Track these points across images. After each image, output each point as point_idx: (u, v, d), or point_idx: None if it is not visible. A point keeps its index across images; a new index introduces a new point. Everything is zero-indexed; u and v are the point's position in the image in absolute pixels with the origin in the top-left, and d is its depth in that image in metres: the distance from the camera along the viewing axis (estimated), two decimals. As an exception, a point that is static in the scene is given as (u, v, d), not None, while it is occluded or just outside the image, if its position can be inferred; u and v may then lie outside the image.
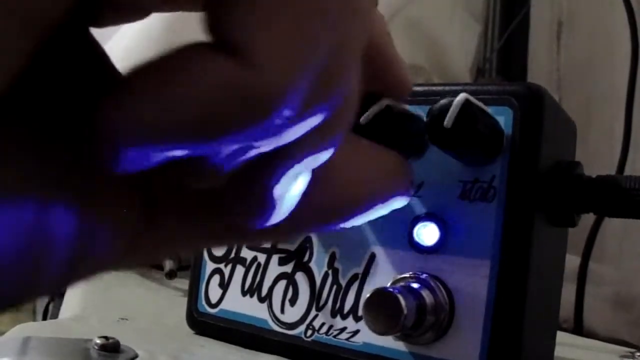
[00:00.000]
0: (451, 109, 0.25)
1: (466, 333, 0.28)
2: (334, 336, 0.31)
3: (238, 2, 0.11)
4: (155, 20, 0.63)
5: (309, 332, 0.32)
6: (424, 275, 0.29)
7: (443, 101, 0.25)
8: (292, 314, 0.33)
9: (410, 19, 0.78)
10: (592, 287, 0.59)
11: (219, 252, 0.36)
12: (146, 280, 0.60)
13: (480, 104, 0.26)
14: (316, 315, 0.32)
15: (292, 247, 0.34)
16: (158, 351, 0.30)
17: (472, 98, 0.26)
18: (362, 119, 0.25)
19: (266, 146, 0.12)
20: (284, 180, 0.13)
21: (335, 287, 0.32)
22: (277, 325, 0.33)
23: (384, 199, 0.16)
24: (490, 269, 0.28)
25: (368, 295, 0.27)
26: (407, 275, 0.29)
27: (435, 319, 0.28)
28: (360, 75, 0.13)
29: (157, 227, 0.14)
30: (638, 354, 0.46)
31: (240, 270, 0.35)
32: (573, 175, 0.30)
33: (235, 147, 0.11)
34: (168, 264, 0.56)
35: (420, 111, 0.29)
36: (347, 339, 0.31)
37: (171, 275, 0.55)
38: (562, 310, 0.34)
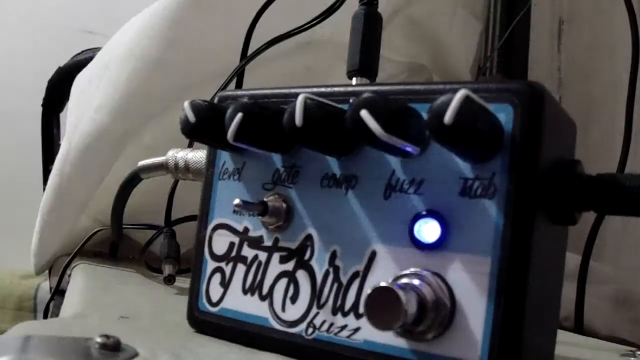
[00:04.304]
0: (451, 105, 0.25)
1: (467, 330, 0.28)
2: (335, 334, 0.31)
3: None
4: (155, 18, 0.63)
5: (310, 330, 0.32)
6: (425, 272, 0.29)
7: (443, 98, 0.25)
8: (293, 312, 0.33)
9: (411, 17, 0.79)
10: (593, 285, 0.59)
11: (220, 251, 0.36)
12: (147, 279, 0.60)
13: (480, 100, 0.26)
14: (317, 313, 0.32)
15: (293, 245, 0.34)
16: (159, 349, 0.30)
17: (472, 94, 0.26)
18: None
19: None
20: None
21: (336, 285, 0.32)
22: (278, 323, 0.33)
23: None
24: (490, 266, 0.28)
25: (369, 291, 0.27)
26: (408, 272, 0.29)
27: (436, 315, 0.28)
28: None
29: None
30: (639, 352, 0.46)
31: (241, 268, 0.35)
32: (573, 173, 0.30)
33: None
34: (167, 269, 0.56)
35: (422, 109, 0.29)
36: (347, 337, 0.31)
37: (170, 279, 0.55)
38: (562, 308, 0.34)
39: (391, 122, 0.27)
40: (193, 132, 0.35)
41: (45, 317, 0.79)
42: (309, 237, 0.33)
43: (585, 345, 0.50)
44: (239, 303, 0.35)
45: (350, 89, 0.34)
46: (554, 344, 0.33)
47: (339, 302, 0.32)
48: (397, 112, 0.28)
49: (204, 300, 0.36)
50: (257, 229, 0.35)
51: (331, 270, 0.32)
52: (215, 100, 0.38)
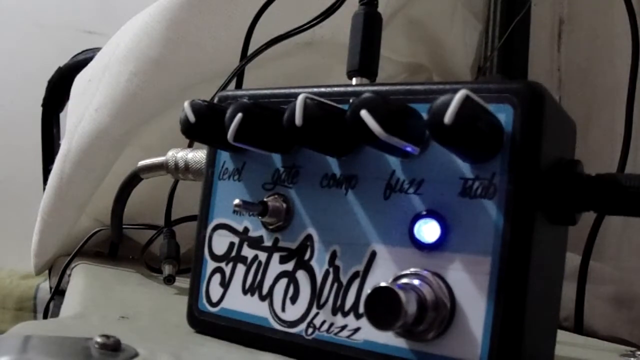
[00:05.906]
0: (451, 105, 0.25)
1: (467, 330, 0.28)
2: (335, 334, 0.31)
3: None
4: (155, 18, 0.63)
5: (310, 330, 0.32)
6: (425, 272, 0.29)
7: (443, 97, 0.25)
8: (293, 312, 0.33)
9: (411, 17, 0.79)
10: (593, 285, 0.59)
11: (220, 251, 0.36)
12: (147, 279, 0.60)
13: (480, 100, 0.26)
14: (317, 314, 0.32)
15: (293, 245, 0.34)
16: (158, 350, 0.30)
17: (472, 94, 0.26)
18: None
19: None
20: None
21: (336, 285, 0.32)
22: (278, 323, 0.33)
23: None
24: (490, 266, 0.28)
25: (369, 291, 0.27)
26: (408, 272, 0.29)
27: (436, 315, 0.28)
28: None
29: None
30: (638, 352, 0.46)
31: (241, 268, 0.35)
32: (573, 173, 0.30)
33: None
34: (167, 269, 0.56)
35: (422, 109, 0.29)
36: (347, 337, 0.31)
37: (170, 280, 0.55)
38: (562, 308, 0.34)
39: (391, 122, 0.27)
40: (193, 132, 0.35)
41: (45, 317, 0.79)
42: (309, 237, 0.33)
43: (585, 345, 0.50)
44: (239, 303, 0.35)
45: (350, 89, 0.34)
46: (554, 344, 0.33)
47: (339, 302, 0.32)
48: (397, 112, 0.28)
49: (204, 301, 0.36)
50: (257, 229, 0.35)
51: (331, 270, 0.32)
52: (215, 100, 0.38)
